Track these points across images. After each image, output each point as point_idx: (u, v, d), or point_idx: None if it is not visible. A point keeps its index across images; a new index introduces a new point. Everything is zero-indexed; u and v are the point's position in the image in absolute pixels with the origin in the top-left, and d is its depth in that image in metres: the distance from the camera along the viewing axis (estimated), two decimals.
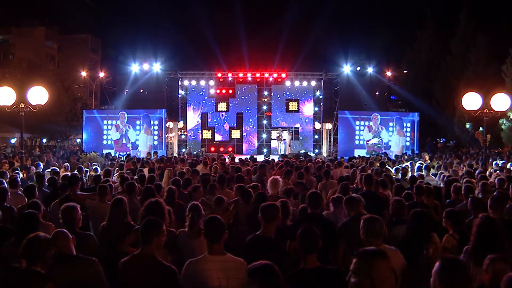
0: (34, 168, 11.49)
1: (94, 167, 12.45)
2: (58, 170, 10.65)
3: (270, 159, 15.71)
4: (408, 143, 23.72)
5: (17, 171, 10.20)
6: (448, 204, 6.83)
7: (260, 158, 19.73)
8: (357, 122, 24.02)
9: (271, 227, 4.43)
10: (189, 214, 4.94)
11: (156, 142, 23.21)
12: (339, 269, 3.84)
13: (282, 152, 23.98)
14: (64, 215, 4.67)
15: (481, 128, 17.81)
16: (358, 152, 22.18)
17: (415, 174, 10.79)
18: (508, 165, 12.82)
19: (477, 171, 10.12)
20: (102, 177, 8.93)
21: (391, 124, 23.97)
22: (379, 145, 23.63)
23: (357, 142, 23.97)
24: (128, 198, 6.48)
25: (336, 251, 5.11)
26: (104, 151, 21.09)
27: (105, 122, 23.61)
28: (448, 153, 19.84)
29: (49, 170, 10.67)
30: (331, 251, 5.06)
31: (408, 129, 23.95)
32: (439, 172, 10.68)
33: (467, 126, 24.93)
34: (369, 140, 23.80)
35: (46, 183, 8.32)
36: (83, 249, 4.10)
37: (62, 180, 8.33)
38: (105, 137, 23.50)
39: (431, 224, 4.86)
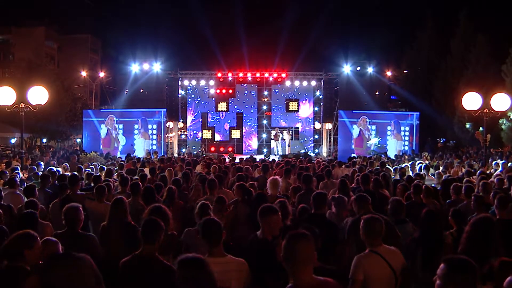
0: (35, 168, 11.47)
1: (99, 166, 12.46)
2: (55, 169, 10.64)
3: (270, 159, 15.70)
4: (406, 147, 23.67)
5: (17, 171, 10.19)
6: (449, 204, 6.83)
7: (260, 158, 19.71)
8: (354, 126, 23.97)
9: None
10: (199, 213, 4.95)
11: (154, 147, 23.16)
12: (339, 270, 3.84)
13: (280, 152, 24.00)
14: (66, 215, 4.66)
15: (481, 128, 17.79)
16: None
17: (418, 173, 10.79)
18: (509, 165, 12.80)
19: (478, 171, 10.12)
20: (102, 177, 8.92)
21: (389, 128, 23.93)
22: (379, 145, 23.61)
23: (353, 146, 23.90)
24: (133, 199, 6.48)
25: (344, 250, 5.09)
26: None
27: (102, 126, 23.58)
28: (449, 153, 19.83)
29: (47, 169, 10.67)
30: (332, 252, 5.04)
31: (407, 133, 23.90)
32: (436, 172, 10.68)
33: (467, 126, 24.91)
34: (369, 140, 23.78)
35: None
36: (85, 250, 4.08)
37: (60, 180, 8.28)
38: (102, 141, 23.50)
39: (443, 224, 4.87)
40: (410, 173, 10.85)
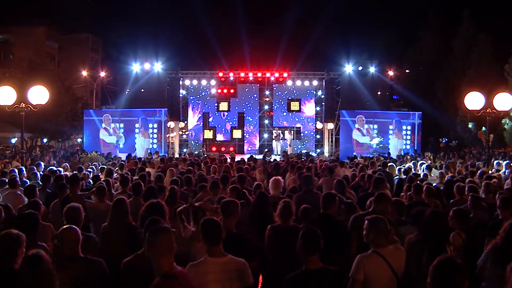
0: (35, 168, 11.45)
1: (100, 166, 12.45)
2: (55, 170, 10.64)
3: (271, 159, 15.69)
4: (408, 146, 23.67)
5: (14, 172, 10.16)
6: (452, 204, 6.81)
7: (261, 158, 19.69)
8: (356, 125, 23.98)
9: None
10: (193, 216, 4.94)
11: (155, 146, 23.21)
12: (341, 270, 3.84)
13: (280, 152, 23.96)
14: (67, 215, 4.66)
15: (484, 128, 17.77)
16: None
17: (421, 173, 10.77)
18: None
19: (479, 171, 10.10)
20: (101, 177, 8.91)
21: (391, 127, 23.93)
22: (381, 145, 23.59)
23: (354, 147, 23.88)
24: (134, 198, 6.49)
25: (350, 247, 5.10)
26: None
27: (103, 125, 23.64)
28: (451, 153, 19.80)
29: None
30: (340, 252, 5.04)
31: (408, 132, 23.90)
32: (438, 172, 10.68)
33: (470, 126, 24.89)
34: (371, 140, 23.77)
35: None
36: (85, 250, 4.09)
37: (57, 180, 8.24)
38: (101, 142, 23.55)
39: (448, 224, 4.85)
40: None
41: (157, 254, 3.20)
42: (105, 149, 22.68)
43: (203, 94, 28.07)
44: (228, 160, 14.83)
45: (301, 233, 3.78)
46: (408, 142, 23.82)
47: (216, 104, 28.00)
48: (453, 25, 28.56)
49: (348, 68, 25.91)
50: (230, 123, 28.08)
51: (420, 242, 4.53)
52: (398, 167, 12.19)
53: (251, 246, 4.68)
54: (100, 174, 10.58)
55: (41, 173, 10.20)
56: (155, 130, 23.54)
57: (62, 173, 9.91)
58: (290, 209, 5.21)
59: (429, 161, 15.88)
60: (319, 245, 3.69)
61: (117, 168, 12.29)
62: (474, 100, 14.20)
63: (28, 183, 8.15)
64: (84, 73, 42.63)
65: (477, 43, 25.32)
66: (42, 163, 12.64)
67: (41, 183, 8.37)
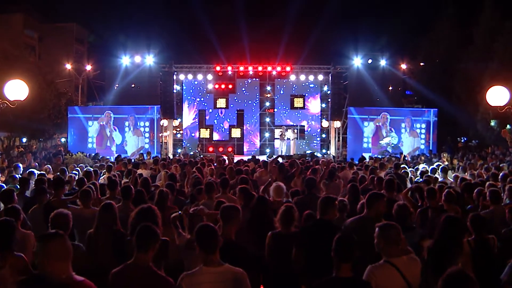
0: (13, 170, 11.43)
1: (85, 168, 12.44)
2: (36, 172, 10.63)
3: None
4: (423, 146, 23.68)
5: None
6: (469, 210, 6.79)
7: (263, 159, 19.68)
8: (366, 123, 24.01)
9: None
10: (189, 223, 4.94)
11: (147, 145, 23.26)
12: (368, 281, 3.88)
13: (284, 153, 23.98)
14: (54, 222, 4.64)
15: (508, 126, 17.73)
16: (366, 156, 22.07)
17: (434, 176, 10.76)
18: None
19: (501, 173, 10.07)
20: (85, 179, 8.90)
21: (403, 125, 23.96)
22: (393, 145, 23.58)
23: (365, 145, 23.99)
24: (123, 203, 6.50)
25: None
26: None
27: (90, 123, 23.70)
28: (471, 154, 19.76)
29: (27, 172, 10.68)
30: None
31: (423, 131, 23.92)
32: (453, 174, 10.67)
33: (492, 123, 24.81)
34: (381, 140, 23.75)
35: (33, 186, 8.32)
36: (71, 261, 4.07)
37: (37, 184, 8.23)
38: (90, 139, 23.70)
39: (463, 232, 4.85)
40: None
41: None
42: (98, 148, 22.83)
43: (199, 89, 28.11)
44: (226, 161, 14.83)
45: (336, 239, 3.85)
46: (423, 141, 23.85)
47: (213, 101, 28.03)
48: (473, 13, 28.44)
49: (357, 61, 25.88)
50: (229, 121, 28.10)
51: (430, 250, 4.56)
52: (409, 169, 12.18)
53: (250, 254, 4.68)
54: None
55: (19, 175, 10.18)
56: (147, 129, 23.60)
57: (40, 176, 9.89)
58: (291, 214, 5.22)
59: (446, 163, 15.87)
60: (353, 253, 3.76)
61: (104, 170, 12.28)
62: (497, 95, 14.18)
63: (5, 187, 8.14)
64: (68, 66, 42.59)
65: (501, 32, 25.17)
66: (21, 165, 12.60)
67: (19, 187, 8.36)
